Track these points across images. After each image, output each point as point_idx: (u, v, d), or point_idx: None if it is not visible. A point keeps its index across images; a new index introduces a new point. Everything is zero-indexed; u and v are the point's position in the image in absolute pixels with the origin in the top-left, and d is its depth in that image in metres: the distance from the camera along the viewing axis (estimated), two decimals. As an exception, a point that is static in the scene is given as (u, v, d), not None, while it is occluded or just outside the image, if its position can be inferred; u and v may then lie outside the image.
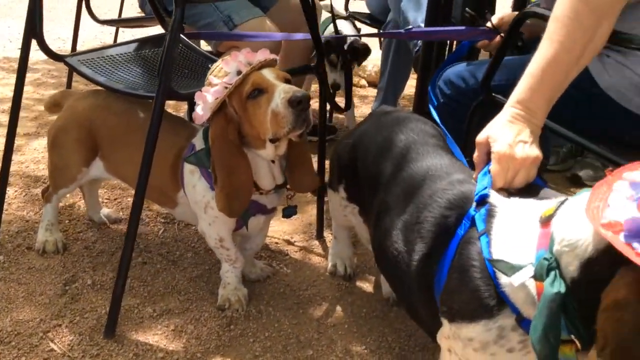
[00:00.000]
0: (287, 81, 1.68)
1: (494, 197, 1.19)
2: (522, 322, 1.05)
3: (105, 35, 5.58)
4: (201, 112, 1.67)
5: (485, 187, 1.23)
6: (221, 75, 1.67)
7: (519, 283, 1.01)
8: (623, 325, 0.82)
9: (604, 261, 0.90)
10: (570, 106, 1.63)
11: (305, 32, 2.24)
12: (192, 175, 1.82)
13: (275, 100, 1.58)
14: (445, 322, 1.20)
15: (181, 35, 2.26)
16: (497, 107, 1.48)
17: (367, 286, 2.06)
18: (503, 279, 1.06)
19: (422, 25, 2.63)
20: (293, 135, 1.65)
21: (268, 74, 1.66)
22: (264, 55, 1.71)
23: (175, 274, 2.06)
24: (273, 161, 1.76)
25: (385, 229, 1.45)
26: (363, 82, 4.53)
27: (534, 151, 1.28)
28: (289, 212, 1.99)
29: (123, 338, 1.75)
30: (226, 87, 1.64)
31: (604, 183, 0.94)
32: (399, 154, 1.55)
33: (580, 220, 0.96)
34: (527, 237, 1.06)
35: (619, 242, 0.83)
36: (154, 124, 1.64)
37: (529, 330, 1.00)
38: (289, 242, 2.31)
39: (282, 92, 1.58)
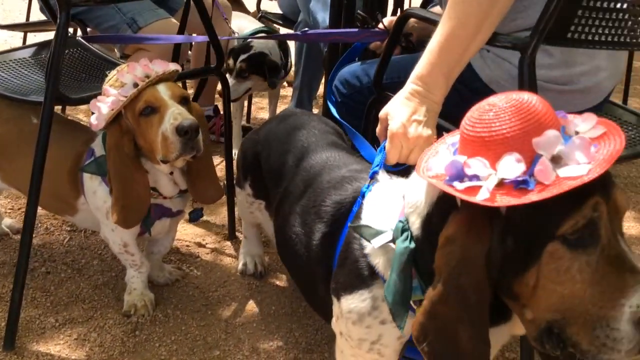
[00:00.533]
0: (184, 99, 1.67)
1: (381, 174, 1.26)
2: None
3: (16, 39, 5.37)
4: (96, 121, 1.65)
5: (378, 165, 1.29)
6: (117, 86, 1.65)
7: (378, 245, 1.08)
8: (452, 257, 0.90)
9: (438, 213, 0.98)
10: (457, 102, 1.70)
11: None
12: (92, 181, 1.79)
13: (165, 124, 1.58)
14: (334, 301, 1.24)
15: (80, 39, 2.24)
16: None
17: (277, 284, 2.09)
18: (368, 247, 1.12)
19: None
20: (183, 159, 1.65)
21: (164, 91, 1.64)
22: (162, 67, 1.68)
23: (80, 283, 2.02)
24: (171, 172, 1.76)
25: (284, 216, 1.49)
26: (283, 82, 4.55)
27: (427, 131, 1.34)
28: (195, 216, 2.00)
29: (23, 350, 1.71)
30: (121, 100, 1.63)
31: (431, 149, 1.05)
32: (300, 148, 1.60)
33: (419, 184, 1.05)
34: (392, 209, 1.13)
35: (442, 184, 0.91)
36: (44, 130, 1.61)
37: None
38: (200, 245, 2.31)
39: (171, 117, 1.57)
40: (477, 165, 0.88)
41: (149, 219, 1.81)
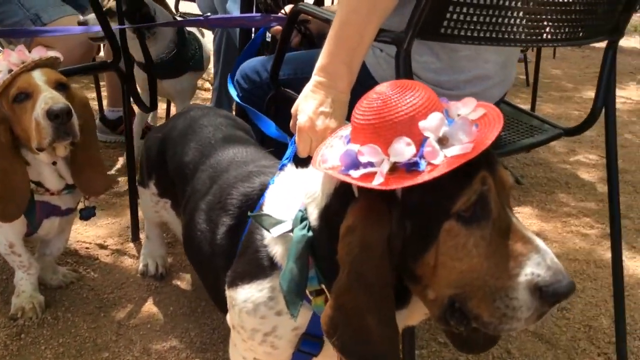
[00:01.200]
0: (61, 85, 1.61)
1: (289, 166, 1.25)
2: None
3: None
4: None
5: (287, 158, 1.29)
6: None
7: (277, 234, 1.07)
8: (353, 246, 0.90)
9: (336, 203, 0.98)
10: (352, 100, 1.71)
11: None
12: None
13: (37, 110, 1.53)
14: (229, 291, 1.21)
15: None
16: (289, 100, 1.52)
17: (178, 284, 2.04)
18: (267, 237, 1.11)
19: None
20: (58, 146, 1.60)
21: (39, 76, 1.58)
22: (38, 53, 1.63)
23: (-34, 286, 1.93)
24: (55, 162, 1.70)
25: (190, 213, 1.46)
26: (207, 84, 4.50)
27: (334, 122, 1.33)
28: (87, 214, 1.92)
29: None
30: None
31: (325, 143, 1.05)
32: (207, 145, 1.58)
33: (317, 175, 1.05)
34: (293, 199, 1.11)
35: (338, 174, 0.91)
36: None
37: None
38: (101, 246, 2.24)
39: (42, 101, 1.52)
40: (369, 152, 0.89)
41: (34, 217, 1.74)
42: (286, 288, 1.01)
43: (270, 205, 1.17)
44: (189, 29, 2.97)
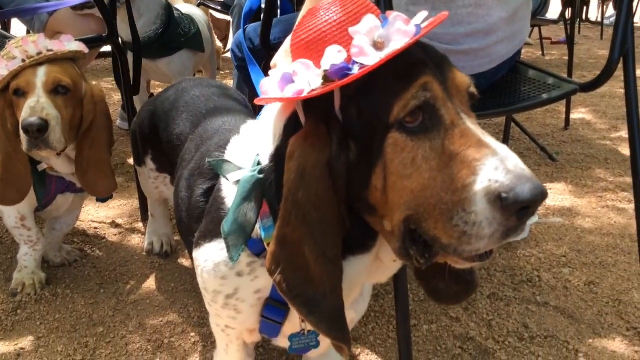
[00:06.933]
0: (61, 87, 1.57)
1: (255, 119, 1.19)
2: (250, 242, 1.00)
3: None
4: None
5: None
6: (9, 58, 1.58)
7: (234, 180, 1.01)
8: (290, 174, 0.83)
9: (285, 141, 0.89)
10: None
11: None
12: None
13: (21, 115, 1.52)
14: (194, 252, 1.14)
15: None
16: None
17: (183, 262, 1.99)
18: (227, 188, 1.04)
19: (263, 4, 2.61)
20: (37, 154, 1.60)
21: (41, 75, 1.55)
22: (58, 46, 1.61)
23: (-29, 265, 1.93)
24: (58, 153, 1.67)
25: (177, 183, 1.41)
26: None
27: None
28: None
29: None
30: (2, 74, 1.56)
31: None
32: (197, 116, 1.53)
33: (271, 118, 0.97)
34: (254, 147, 1.03)
35: (267, 98, 0.85)
36: None
37: (255, 251, 0.99)
38: (111, 226, 2.21)
39: (25, 108, 1.51)
40: (301, 67, 0.82)
41: (42, 194, 1.72)
42: (227, 229, 0.94)
43: (232, 153, 1.10)
44: (184, 11, 2.90)
